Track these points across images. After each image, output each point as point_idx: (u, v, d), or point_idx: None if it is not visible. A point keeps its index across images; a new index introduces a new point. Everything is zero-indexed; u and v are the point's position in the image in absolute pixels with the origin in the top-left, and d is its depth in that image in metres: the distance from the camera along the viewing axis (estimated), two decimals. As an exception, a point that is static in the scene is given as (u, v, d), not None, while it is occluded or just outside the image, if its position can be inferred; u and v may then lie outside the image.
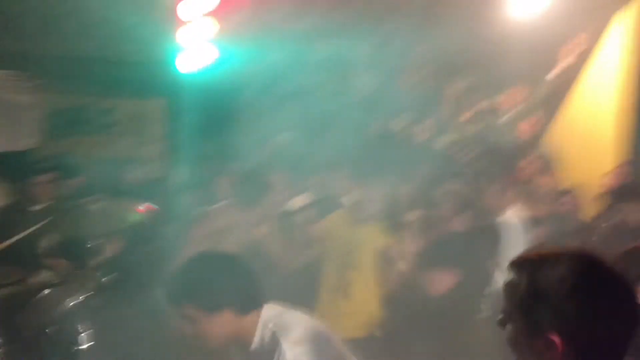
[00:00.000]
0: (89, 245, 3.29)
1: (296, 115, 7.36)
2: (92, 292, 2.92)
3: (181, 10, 5.98)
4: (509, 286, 1.35)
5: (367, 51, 7.61)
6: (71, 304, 2.70)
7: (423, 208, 3.62)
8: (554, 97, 6.21)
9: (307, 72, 7.89)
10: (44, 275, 3.99)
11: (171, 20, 6.42)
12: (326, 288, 3.85)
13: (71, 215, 3.36)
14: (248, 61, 7.41)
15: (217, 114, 7.50)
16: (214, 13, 6.17)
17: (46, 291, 2.92)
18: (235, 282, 2.06)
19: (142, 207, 3.49)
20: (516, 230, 3.97)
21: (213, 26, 6.20)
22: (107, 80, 7.66)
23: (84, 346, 2.69)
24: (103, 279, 2.93)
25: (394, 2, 6.86)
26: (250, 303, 2.08)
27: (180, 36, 6.10)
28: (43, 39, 7.45)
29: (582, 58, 6.09)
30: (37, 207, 4.27)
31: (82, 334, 2.69)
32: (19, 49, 7.57)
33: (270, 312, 2.08)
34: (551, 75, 6.08)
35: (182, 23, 6.08)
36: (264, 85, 7.82)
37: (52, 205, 4.38)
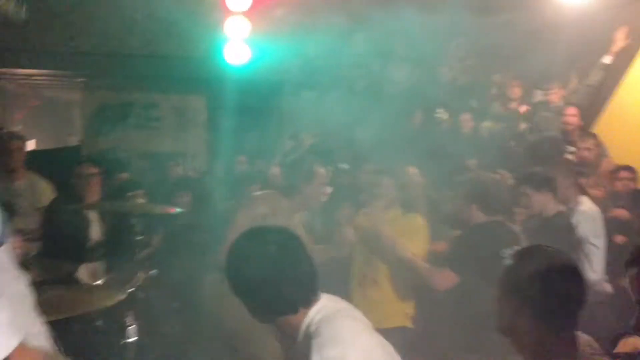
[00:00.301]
0: (135, 239, 3.34)
1: (336, 107, 7.33)
2: (138, 286, 2.96)
3: (228, 3, 6.00)
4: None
5: (407, 41, 7.52)
6: (119, 297, 2.74)
7: (469, 200, 3.48)
8: (608, 81, 5.98)
9: (348, 64, 7.86)
10: (92, 269, 4.08)
11: (214, 15, 6.46)
12: (357, 276, 3.82)
13: (117, 209, 3.41)
14: (287, 55, 7.42)
15: (258, 107, 7.54)
16: (250, 11, 6.18)
17: (95, 284, 2.98)
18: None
19: (174, 209, 3.53)
20: (590, 217, 3.93)
21: (251, 23, 6.22)
22: (151, 76, 7.78)
23: (132, 339, 2.73)
24: (150, 272, 2.97)
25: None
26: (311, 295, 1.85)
27: (225, 29, 6.13)
28: (88, 37, 7.62)
29: (636, 42, 5.86)
30: (85, 202, 4.36)
31: (130, 327, 2.73)
32: (65, 48, 7.77)
33: (325, 304, 1.85)
34: (605, 59, 5.86)
35: (226, 16, 6.10)
36: (304, 78, 7.82)
37: (99, 199, 4.46)
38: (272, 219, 3.65)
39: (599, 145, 5.13)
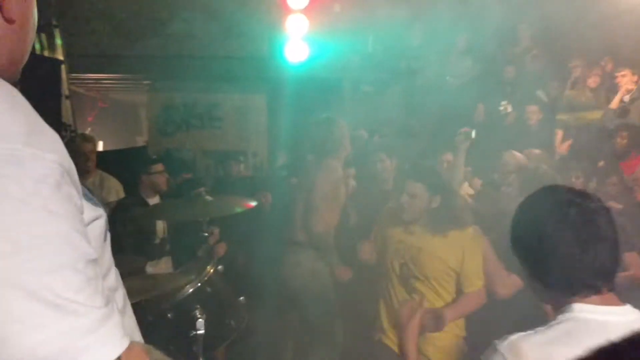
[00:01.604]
0: (204, 235, 3.41)
1: (397, 101, 7.28)
2: (206, 280, 3.02)
3: (288, 1, 6.06)
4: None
5: (468, 34, 7.37)
6: (190, 290, 2.81)
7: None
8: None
9: (408, 57, 7.78)
10: (164, 263, 4.22)
11: (273, 14, 6.54)
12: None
13: (184, 206, 3.50)
14: (346, 52, 7.42)
15: (317, 104, 7.56)
16: (308, 8, 6.20)
17: (167, 278, 3.06)
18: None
19: (248, 203, 3.59)
20: None
21: (309, 20, 6.25)
22: (212, 77, 7.96)
23: (200, 331, 2.78)
24: (218, 267, 3.03)
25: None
26: None
27: (284, 28, 6.19)
28: (152, 41, 7.86)
29: None
30: (152, 200, 4.51)
31: (198, 320, 2.78)
32: (130, 52, 8.05)
33: None
34: None
35: (286, 15, 6.16)
36: (363, 74, 7.80)
37: (166, 197, 4.61)
38: (339, 186, 3.78)
39: None
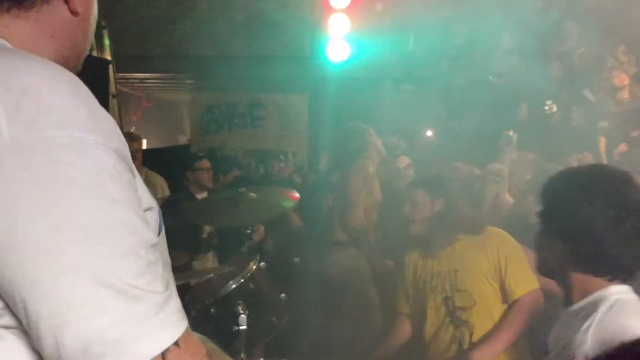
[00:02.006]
0: (247, 232, 3.47)
1: (438, 101, 7.21)
2: (248, 277, 3.06)
3: (330, 0, 6.09)
4: None
5: (513, 31, 7.24)
6: (233, 286, 2.86)
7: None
8: None
9: (447, 58, 7.69)
10: (211, 257, 4.30)
11: (315, 13, 6.57)
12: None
13: (229, 203, 3.56)
14: (387, 51, 7.39)
15: (359, 103, 7.57)
16: (350, 7, 6.20)
17: (211, 274, 3.12)
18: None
19: (291, 195, 3.63)
20: None
21: (351, 19, 6.25)
22: (255, 76, 8.04)
23: (242, 327, 2.83)
24: (260, 264, 3.06)
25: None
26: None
27: (326, 27, 6.21)
28: (196, 41, 7.99)
29: None
30: (200, 195, 4.60)
31: (241, 316, 2.82)
32: (175, 52, 8.21)
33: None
34: None
35: (328, 14, 6.18)
36: (404, 73, 7.76)
37: (211, 194, 4.70)
38: (371, 181, 4.02)
39: None
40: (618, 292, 1.45)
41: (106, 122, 0.89)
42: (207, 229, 4.49)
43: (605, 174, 1.51)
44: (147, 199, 0.99)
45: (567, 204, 1.50)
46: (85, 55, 1.08)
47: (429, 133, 7.43)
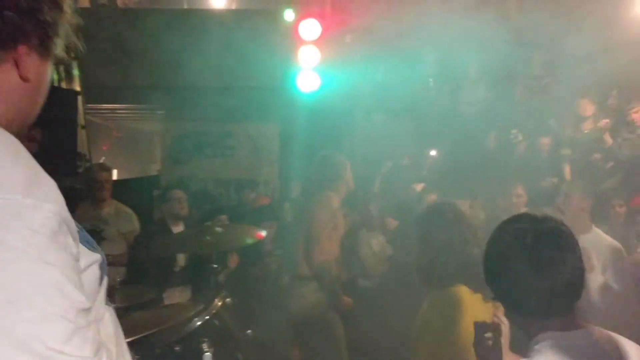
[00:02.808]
0: (213, 266, 3.43)
1: (408, 130, 7.30)
2: (214, 313, 3.02)
3: (300, 32, 6.15)
4: None
5: (480, 63, 7.40)
6: (198, 323, 2.82)
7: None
8: None
9: (418, 88, 7.82)
10: (175, 295, 4.22)
11: (285, 45, 6.63)
12: None
13: (197, 236, 3.52)
14: (357, 81, 7.47)
15: (329, 133, 7.62)
16: (320, 39, 6.28)
17: (176, 310, 3.06)
18: None
19: (256, 234, 3.63)
20: None
21: (321, 51, 6.32)
22: (226, 107, 8.05)
23: (209, 364, 2.77)
24: (227, 300, 3.02)
25: (510, 11, 6.62)
26: None
27: (296, 59, 6.27)
28: (167, 72, 7.99)
29: None
30: (176, 228, 4.54)
31: (206, 354, 2.77)
32: (146, 82, 8.18)
33: None
34: None
35: (298, 46, 6.24)
36: (375, 103, 7.84)
37: (180, 227, 4.64)
38: (336, 216, 3.88)
39: None
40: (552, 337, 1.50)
41: (45, 185, 0.88)
42: (182, 261, 4.43)
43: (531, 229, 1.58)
44: (88, 256, 0.98)
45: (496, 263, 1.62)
46: (31, 121, 1.05)
47: (406, 161, 7.51)
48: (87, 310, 0.88)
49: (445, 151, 7.41)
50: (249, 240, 3.42)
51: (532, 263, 1.50)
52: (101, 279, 1.02)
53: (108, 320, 1.04)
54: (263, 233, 3.56)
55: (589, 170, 5.71)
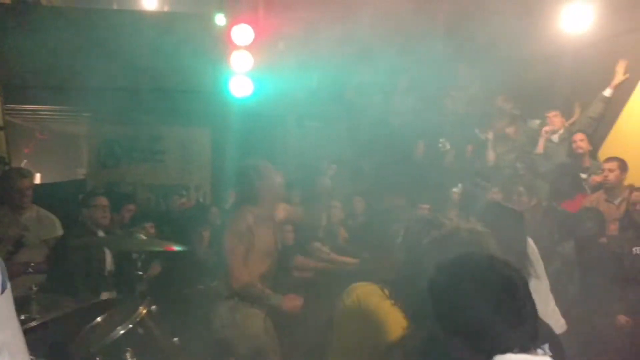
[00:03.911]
0: (136, 273, 3.34)
1: (339, 137, 7.39)
2: (138, 321, 2.93)
3: (232, 37, 6.10)
4: None
5: (411, 73, 7.60)
6: (121, 332, 2.73)
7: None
8: (610, 112, 6.05)
9: (350, 95, 7.93)
10: (96, 304, 4.07)
11: (218, 49, 6.57)
12: None
13: (123, 242, 3.42)
14: (290, 88, 7.50)
15: (262, 139, 7.61)
16: (253, 45, 6.26)
17: (97, 320, 2.95)
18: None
19: (167, 247, 3.54)
20: None
21: (254, 56, 6.30)
22: (156, 110, 7.89)
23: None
24: (151, 307, 2.94)
25: (436, 24, 6.84)
26: None
27: (229, 63, 6.22)
28: (95, 73, 7.73)
29: (636, 73, 5.92)
30: (91, 235, 4.40)
31: (130, 363, 2.70)
32: (72, 84, 7.88)
33: None
34: (606, 92, 5.96)
35: (230, 51, 6.20)
36: (308, 110, 7.90)
37: (105, 232, 4.50)
38: (253, 232, 3.66)
39: (621, 167, 5.19)
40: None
41: None
42: (108, 268, 4.29)
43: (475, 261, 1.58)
44: None
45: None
46: None
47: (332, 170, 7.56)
48: None
49: (376, 159, 7.55)
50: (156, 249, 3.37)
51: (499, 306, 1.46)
52: (3, 284, 0.97)
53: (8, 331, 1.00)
54: (176, 247, 3.48)
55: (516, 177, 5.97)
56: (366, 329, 2.24)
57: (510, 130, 6.58)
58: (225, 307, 3.65)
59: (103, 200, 4.61)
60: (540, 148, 6.26)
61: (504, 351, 1.46)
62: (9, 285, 1.00)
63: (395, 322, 2.12)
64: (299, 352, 3.96)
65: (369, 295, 2.36)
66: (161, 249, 3.36)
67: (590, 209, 4.87)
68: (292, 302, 3.70)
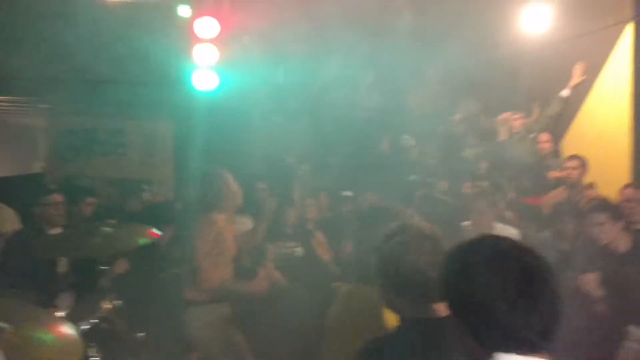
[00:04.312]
0: (101, 268, 3.27)
1: (305, 133, 7.39)
2: (102, 317, 2.89)
3: (196, 29, 6.01)
4: None
5: (375, 69, 7.66)
6: (84, 327, 2.68)
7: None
8: (567, 112, 6.25)
9: (315, 91, 7.94)
10: (57, 300, 3.98)
11: (182, 42, 6.47)
12: None
13: (82, 238, 3.34)
14: (255, 82, 7.46)
15: (226, 133, 7.54)
16: (217, 38, 6.20)
17: (61, 314, 2.89)
18: None
19: (150, 232, 3.51)
20: None
21: (219, 50, 6.24)
22: (117, 102, 7.72)
23: (94, 373, 2.66)
24: (115, 302, 2.90)
25: (403, 20, 6.90)
26: None
27: (193, 57, 6.14)
28: (53, 63, 7.52)
29: (592, 74, 6.11)
30: (49, 231, 4.27)
31: (95, 358, 2.66)
32: (28, 74, 7.65)
33: None
34: (564, 92, 6.15)
35: (194, 44, 6.12)
36: (273, 104, 7.87)
37: (64, 228, 4.39)
38: (222, 237, 3.77)
39: (583, 165, 5.37)
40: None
41: None
42: (63, 266, 4.18)
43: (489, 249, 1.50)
44: None
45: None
46: None
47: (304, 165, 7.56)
48: None
49: (342, 154, 7.58)
50: (142, 241, 3.30)
51: (517, 295, 1.36)
52: None
53: None
54: (158, 232, 3.45)
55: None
56: (361, 330, 2.31)
57: (472, 126, 6.72)
58: (191, 314, 3.71)
59: (56, 198, 4.50)
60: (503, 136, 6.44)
61: (507, 346, 1.36)
62: None
63: (391, 318, 2.19)
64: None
65: (361, 297, 2.48)
66: (129, 246, 3.28)
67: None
68: (258, 285, 3.85)
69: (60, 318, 2.87)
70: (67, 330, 2.23)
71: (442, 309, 1.83)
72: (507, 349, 1.36)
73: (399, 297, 1.95)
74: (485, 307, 1.38)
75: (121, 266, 4.24)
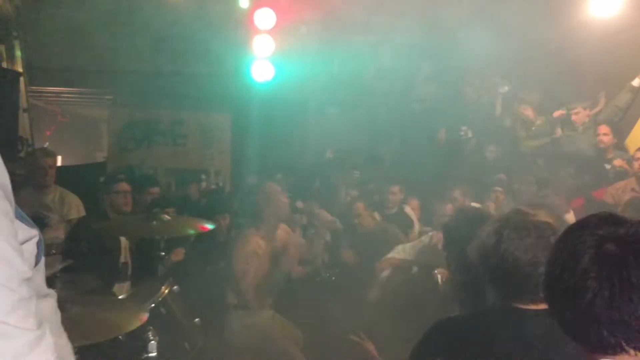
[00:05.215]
0: (159, 254, 3.36)
1: (360, 124, 7.35)
2: (160, 301, 2.95)
3: (255, 20, 6.08)
4: None
5: (432, 60, 7.52)
6: (143, 317, 2.74)
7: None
8: (638, 101, 5.94)
9: (370, 82, 7.87)
10: (122, 285, 4.11)
11: (240, 33, 6.54)
12: None
13: (145, 225, 3.44)
14: (311, 73, 7.46)
15: (282, 124, 7.59)
16: (274, 29, 6.23)
17: (120, 298, 2.99)
18: None
19: (200, 225, 3.60)
20: None
21: (275, 41, 6.27)
22: (177, 93, 7.89)
23: (153, 354, 2.72)
24: (172, 288, 2.97)
25: (462, 10, 6.74)
26: None
27: (250, 48, 6.21)
28: (117, 56, 7.76)
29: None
30: (114, 217, 4.42)
31: (151, 342, 2.72)
32: (95, 66, 7.92)
33: None
34: (635, 82, 5.84)
35: (252, 35, 6.18)
36: (328, 95, 7.86)
37: (127, 215, 4.52)
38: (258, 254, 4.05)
39: None
40: None
41: None
42: (124, 256, 4.31)
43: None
44: (25, 231, 0.92)
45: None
46: None
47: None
48: (29, 280, 0.83)
49: (397, 146, 7.49)
50: (192, 232, 3.40)
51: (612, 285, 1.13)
52: (38, 257, 0.96)
53: (47, 306, 0.99)
54: (209, 226, 3.52)
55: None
56: None
57: (533, 118, 6.50)
58: (230, 318, 4.00)
59: (125, 186, 4.62)
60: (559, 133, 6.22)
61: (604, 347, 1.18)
62: (43, 259, 0.99)
63: None
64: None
65: None
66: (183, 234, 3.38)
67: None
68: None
69: (121, 300, 2.96)
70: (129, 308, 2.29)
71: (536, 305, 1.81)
72: (605, 350, 1.18)
73: (494, 288, 1.95)
74: (582, 302, 1.18)
75: (178, 254, 4.34)
